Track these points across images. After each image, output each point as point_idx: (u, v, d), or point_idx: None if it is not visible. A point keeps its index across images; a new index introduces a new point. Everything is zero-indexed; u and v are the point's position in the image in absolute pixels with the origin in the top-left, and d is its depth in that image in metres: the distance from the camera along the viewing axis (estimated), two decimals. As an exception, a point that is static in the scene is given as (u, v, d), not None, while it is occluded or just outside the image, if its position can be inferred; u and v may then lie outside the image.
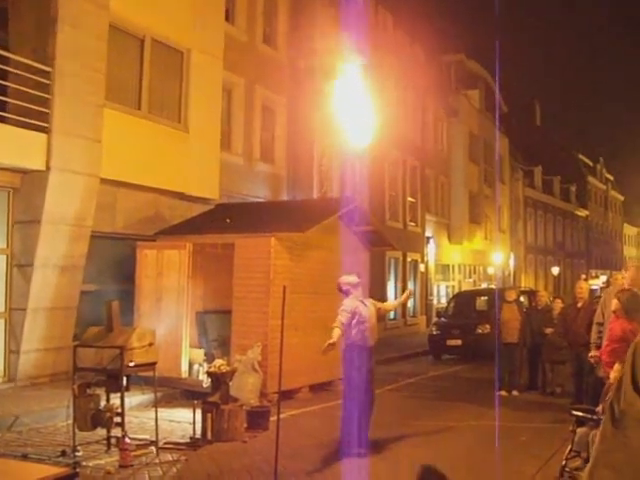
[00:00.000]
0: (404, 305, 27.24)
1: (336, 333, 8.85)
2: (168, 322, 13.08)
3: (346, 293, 9.41)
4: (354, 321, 9.10)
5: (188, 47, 16.15)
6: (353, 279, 9.55)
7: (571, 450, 6.88)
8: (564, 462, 6.86)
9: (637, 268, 9.34)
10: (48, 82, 12.35)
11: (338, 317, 9.05)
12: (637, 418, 1.36)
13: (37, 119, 12.17)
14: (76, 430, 8.45)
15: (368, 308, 9.43)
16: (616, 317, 8.13)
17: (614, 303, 8.16)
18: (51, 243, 12.60)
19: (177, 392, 12.66)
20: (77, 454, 8.23)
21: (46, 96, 12.32)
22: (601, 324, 9.12)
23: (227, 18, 18.45)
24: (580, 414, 6.91)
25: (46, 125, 12.30)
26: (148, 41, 15.21)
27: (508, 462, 8.61)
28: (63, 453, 8.27)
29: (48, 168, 12.34)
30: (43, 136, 12.29)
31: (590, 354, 9.20)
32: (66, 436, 8.80)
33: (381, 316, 11.53)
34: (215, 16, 17.20)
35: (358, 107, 9.81)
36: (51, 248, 12.60)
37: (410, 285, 30.55)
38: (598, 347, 8.92)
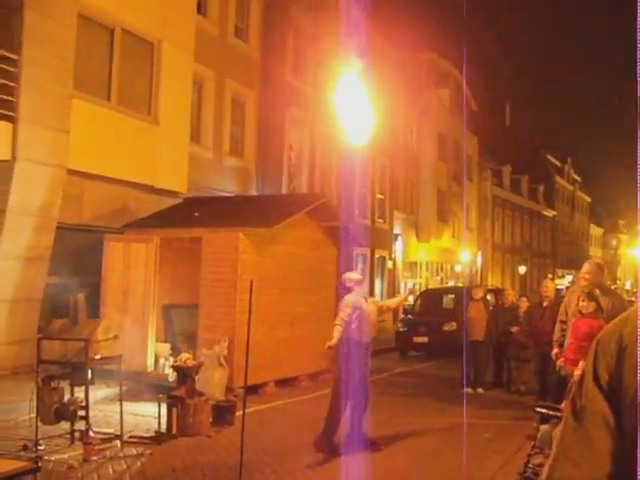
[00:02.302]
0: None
1: (337, 331, 8.79)
2: (134, 315, 13.00)
3: (349, 290, 9.39)
4: (354, 316, 9.07)
5: (159, 38, 16.02)
6: (357, 276, 9.56)
7: (534, 447, 6.93)
8: (527, 458, 6.90)
9: (591, 262, 9.38)
10: (14, 70, 12.18)
11: (340, 314, 8.99)
12: (598, 414, 1.37)
13: (3, 108, 11.98)
14: (39, 424, 8.34)
15: (368, 305, 9.44)
16: (582, 316, 8.22)
17: (585, 305, 8.24)
18: (16, 234, 12.43)
19: (142, 386, 12.57)
20: (39, 448, 8.09)
21: (12, 84, 12.15)
22: (564, 322, 9.18)
23: (199, 10, 18.34)
24: (544, 411, 6.95)
25: (12, 114, 12.13)
26: (118, 31, 15.06)
27: (472, 458, 8.66)
28: (25, 447, 8.13)
29: (14, 158, 12.17)
30: (9, 125, 12.10)
31: (553, 352, 9.29)
32: (28, 430, 8.66)
33: (383, 313, 11.51)
34: (187, 8, 17.08)
35: (341, 105, 9.69)
36: (16, 239, 12.44)
37: (377, 282, 30.63)
38: (560, 345, 9.00)
